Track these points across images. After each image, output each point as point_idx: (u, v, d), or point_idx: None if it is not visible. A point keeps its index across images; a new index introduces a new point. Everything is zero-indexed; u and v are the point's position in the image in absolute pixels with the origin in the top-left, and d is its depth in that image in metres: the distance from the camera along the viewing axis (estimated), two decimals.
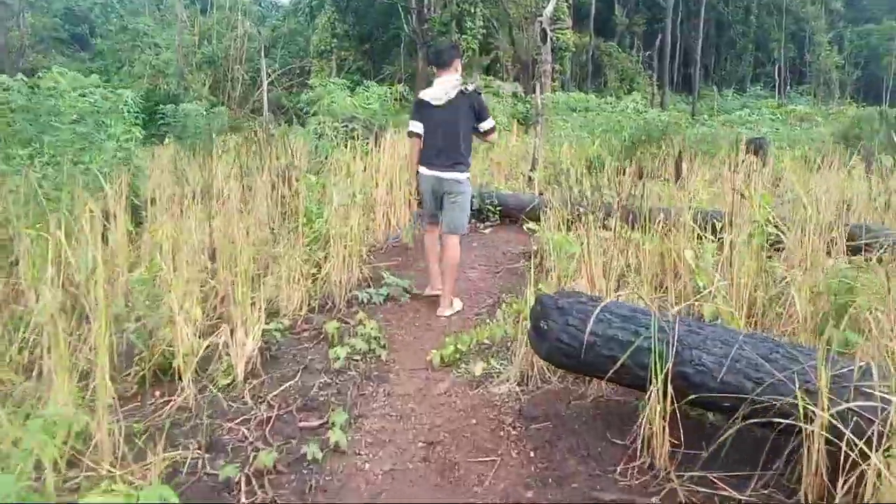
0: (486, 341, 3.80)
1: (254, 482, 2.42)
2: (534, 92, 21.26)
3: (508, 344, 3.74)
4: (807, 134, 14.11)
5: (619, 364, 2.51)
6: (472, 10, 30.08)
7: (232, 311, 3.53)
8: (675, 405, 2.43)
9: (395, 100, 16.91)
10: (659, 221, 4.86)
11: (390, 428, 2.92)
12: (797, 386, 2.18)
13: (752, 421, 2.26)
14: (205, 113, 20.37)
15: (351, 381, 3.38)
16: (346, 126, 7.01)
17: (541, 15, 10.81)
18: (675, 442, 2.45)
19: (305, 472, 2.53)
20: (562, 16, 31.39)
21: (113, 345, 2.95)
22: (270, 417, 2.95)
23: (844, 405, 2.10)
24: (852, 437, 2.02)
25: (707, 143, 15.17)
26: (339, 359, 3.53)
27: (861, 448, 2.00)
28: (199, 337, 3.40)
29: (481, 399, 3.17)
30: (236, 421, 2.91)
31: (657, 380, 2.41)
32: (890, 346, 2.64)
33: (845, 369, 2.19)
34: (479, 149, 9.95)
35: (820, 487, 2.18)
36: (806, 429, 2.14)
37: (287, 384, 3.32)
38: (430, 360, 3.63)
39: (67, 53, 34.83)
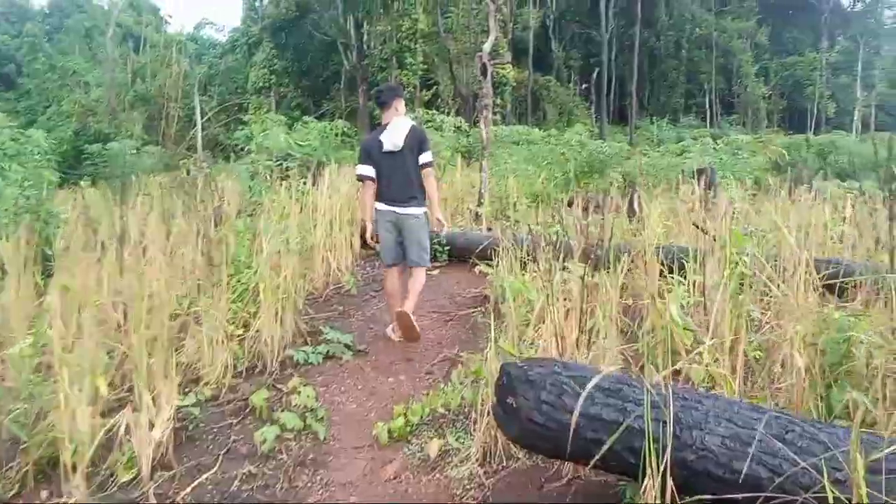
0: (441, 410, 3.31)
1: None
2: (475, 125, 21.19)
3: (467, 410, 3.27)
4: (745, 163, 14.27)
5: (605, 448, 2.07)
6: (413, 47, 30.07)
7: (139, 385, 2.96)
8: (675, 499, 1.99)
9: (336, 135, 16.48)
10: (623, 262, 4.52)
11: None
12: (825, 476, 1.78)
13: None
14: (134, 152, 19.50)
15: (281, 468, 2.84)
16: (281, 164, 6.50)
17: (481, 50, 10.60)
18: None
19: None
20: (501, 51, 31.69)
21: None
22: None
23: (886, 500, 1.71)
24: None
25: (651, 175, 15.21)
26: (266, 441, 2.98)
27: None
28: (103, 416, 2.83)
29: (437, 486, 2.68)
30: None
31: (652, 469, 1.98)
32: None
33: (883, 452, 1.80)
34: None
35: None
36: None
37: (204, 476, 2.76)
38: (376, 436, 3.12)
39: None
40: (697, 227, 5.86)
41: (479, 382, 3.16)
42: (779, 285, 3.53)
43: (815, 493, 1.80)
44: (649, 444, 1.99)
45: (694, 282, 4.01)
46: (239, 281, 4.35)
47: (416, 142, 4.49)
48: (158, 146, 28.13)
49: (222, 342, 3.81)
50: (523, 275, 4.83)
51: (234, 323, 4.11)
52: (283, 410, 3.36)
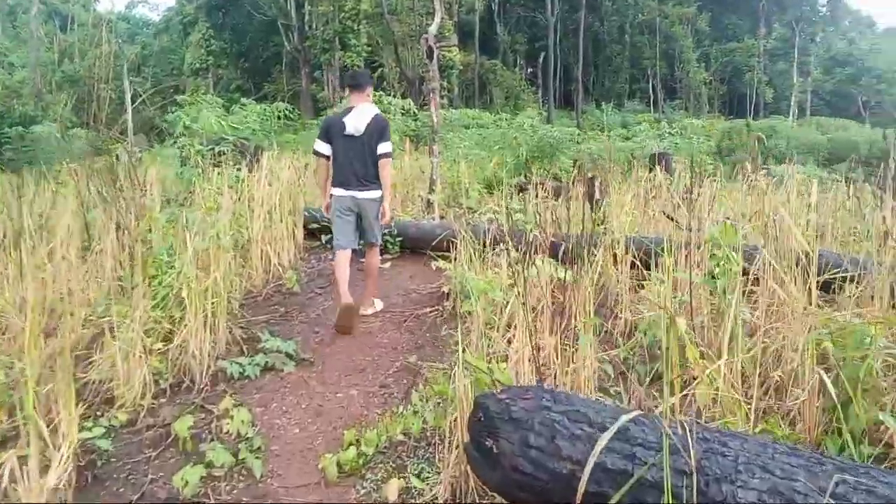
0: (401, 436, 2.84)
1: None
2: (422, 108, 20.63)
3: (429, 435, 2.82)
4: (698, 147, 14.19)
5: None
6: (356, 28, 29.23)
7: (29, 415, 2.41)
8: None
9: (277, 118, 15.69)
10: (597, 257, 4.15)
11: None
12: None
13: None
14: (58, 136, 18.27)
15: None
16: (212, 149, 5.88)
17: (426, 32, 10.08)
18: None
19: None
20: (447, 34, 31.12)
21: None
22: None
23: None
24: None
25: (603, 159, 15.00)
26: (189, 484, 2.46)
27: None
28: None
29: None
30: None
31: None
32: None
33: None
34: None
35: None
36: None
37: None
38: (323, 470, 2.63)
39: None
40: (670, 217, 5.55)
41: (444, 402, 2.71)
42: (772, 284, 3.19)
43: None
44: (668, 501, 1.58)
45: (674, 279, 3.65)
46: (161, 283, 3.78)
47: (378, 130, 4.51)
48: (87, 129, 26.62)
49: (140, 356, 3.26)
50: (484, 270, 4.41)
51: (154, 333, 3.55)
52: (211, 440, 2.85)
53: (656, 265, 4.37)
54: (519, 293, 3.26)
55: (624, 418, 1.75)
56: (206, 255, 3.95)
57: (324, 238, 6.69)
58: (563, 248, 4.31)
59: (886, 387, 2.40)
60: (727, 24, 49.76)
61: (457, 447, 2.32)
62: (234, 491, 2.53)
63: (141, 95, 29.82)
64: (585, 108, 39.32)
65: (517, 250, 4.54)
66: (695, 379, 2.35)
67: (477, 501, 2.32)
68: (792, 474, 1.60)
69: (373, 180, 4.55)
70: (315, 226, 6.73)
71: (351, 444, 2.74)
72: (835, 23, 52.71)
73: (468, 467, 2.31)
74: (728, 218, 4.90)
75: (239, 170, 5.97)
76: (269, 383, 3.52)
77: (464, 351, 2.66)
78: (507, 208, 6.94)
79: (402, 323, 4.47)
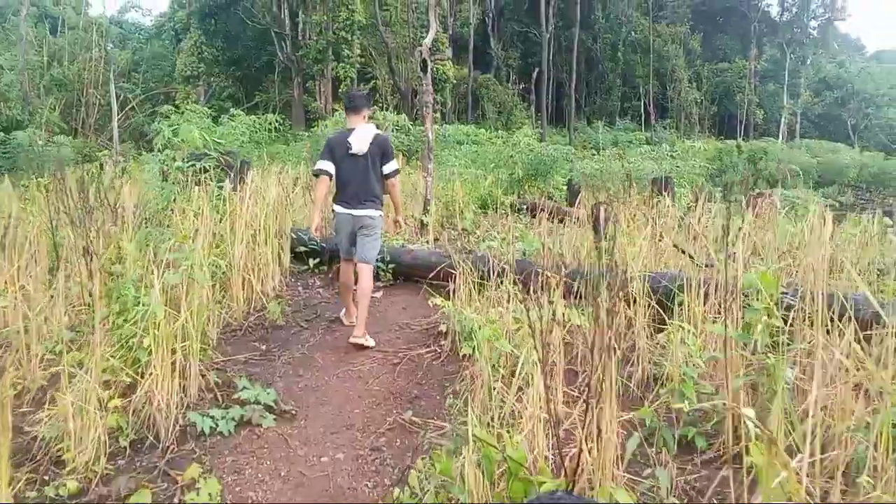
0: None
1: None
2: (415, 121, 20.28)
3: None
4: (701, 169, 13.90)
5: None
6: (350, 39, 28.91)
7: None
8: None
9: (268, 130, 15.30)
10: (612, 294, 3.77)
11: None
12: None
13: None
14: (41, 143, 17.77)
15: None
16: (193, 165, 5.46)
17: (420, 45, 9.76)
18: None
19: None
20: (441, 47, 30.91)
21: None
22: None
23: None
24: None
25: (598, 180, 14.70)
26: None
27: None
28: None
29: None
30: None
31: None
32: None
33: None
34: None
35: None
36: None
37: None
38: None
39: None
40: (684, 252, 5.18)
41: (448, 484, 2.30)
42: (819, 337, 2.81)
43: None
44: None
45: (702, 331, 3.26)
46: (125, 321, 3.35)
47: (380, 149, 4.63)
48: (75, 136, 26.12)
49: (95, 411, 2.83)
50: (486, 308, 4.01)
51: (113, 384, 3.12)
52: None
53: (676, 306, 4.00)
54: (532, 346, 2.87)
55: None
56: (181, 289, 3.54)
57: (311, 262, 6.28)
58: (575, 284, 3.94)
59: None
60: (718, 44, 49.96)
61: None
62: None
63: (131, 102, 29.36)
64: (577, 126, 39.21)
65: (524, 287, 4.16)
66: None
67: None
68: None
69: (372, 199, 4.62)
70: (303, 249, 6.32)
71: None
72: (825, 46, 53.04)
73: None
74: (751, 254, 4.54)
75: (221, 188, 5.55)
76: (244, 442, 3.09)
77: (468, 409, 2.27)
78: (509, 235, 6.58)
79: (396, 365, 4.04)
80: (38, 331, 3.63)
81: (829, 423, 2.47)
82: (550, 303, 3.38)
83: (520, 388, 2.85)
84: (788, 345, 3.12)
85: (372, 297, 5.66)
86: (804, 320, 3.15)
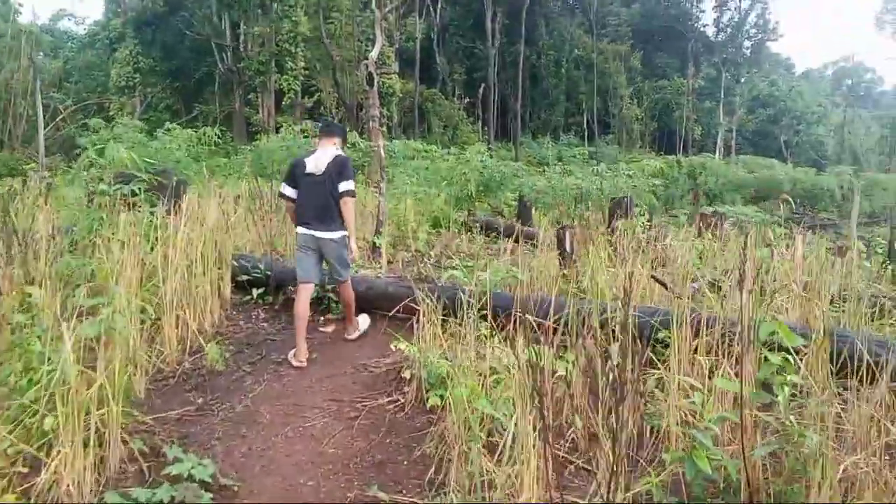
0: None
1: None
2: (361, 135, 19.74)
3: None
4: (655, 188, 13.85)
5: None
6: (293, 51, 28.22)
7: None
8: None
9: (207, 144, 14.58)
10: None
11: None
12: None
13: None
14: None
15: None
16: (120, 188, 4.87)
17: (366, 58, 9.37)
18: None
19: None
20: (387, 61, 30.51)
21: None
22: None
23: None
24: None
25: (549, 196, 14.52)
26: None
27: None
28: None
29: None
30: None
31: None
32: None
33: None
34: None
35: None
36: None
37: None
38: None
39: None
40: (662, 283, 4.88)
41: None
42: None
43: None
44: None
45: (705, 383, 2.90)
46: (31, 382, 2.79)
47: (337, 169, 4.58)
48: (1, 148, 24.65)
49: None
50: (455, 351, 3.59)
51: (13, 460, 2.56)
52: None
53: (661, 346, 3.66)
54: (521, 406, 2.46)
55: None
56: (100, 341, 2.99)
57: (255, 292, 5.72)
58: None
59: None
60: (658, 62, 51.10)
61: None
62: None
63: (62, 112, 27.88)
64: (522, 140, 39.33)
65: (499, 326, 3.76)
66: None
67: None
68: None
69: (334, 219, 4.59)
70: (245, 277, 5.77)
71: None
72: (757, 65, 54.90)
73: None
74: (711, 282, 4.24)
75: (153, 213, 4.97)
76: None
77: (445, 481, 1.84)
78: (471, 262, 6.18)
79: (354, 420, 3.55)
80: None
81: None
82: (534, 351, 2.98)
83: (506, 456, 2.43)
84: (794, 396, 2.80)
85: (322, 331, 5.20)
86: (815, 365, 2.84)
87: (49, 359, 2.79)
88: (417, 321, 4.07)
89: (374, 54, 9.36)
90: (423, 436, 3.27)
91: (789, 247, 6.21)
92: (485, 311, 3.98)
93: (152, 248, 4.71)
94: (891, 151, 49.19)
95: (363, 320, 5.13)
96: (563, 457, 2.99)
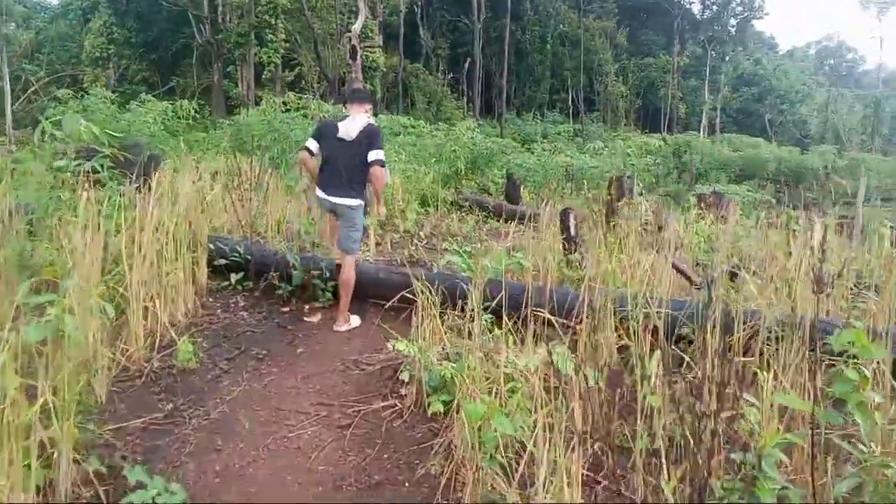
0: None
1: None
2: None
3: None
4: (654, 166, 13.46)
5: None
6: (273, 23, 27.33)
7: None
8: None
9: (184, 118, 13.91)
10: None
11: None
12: None
13: None
14: None
15: None
16: (80, 164, 4.36)
17: (349, 31, 8.85)
18: None
19: None
20: (370, 34, 29.70)
21: None
22: None
23: None
24: None
25: (539, 175, 14.11)
26: None
27: None
28: None
29: None
30: None
31: None
32: None
33: None
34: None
35: None
36: None
37: None
38: None
39: None
40: (683, 273, 4.48)
41: None
42: None
43: None
44: None
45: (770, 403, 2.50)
46: None
47: (367, 137, 4.56)
48: None
49: None
50: (453, 350, 3.19)
51: None
52: None
53: (685, 343, 3.28)
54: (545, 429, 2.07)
55: None
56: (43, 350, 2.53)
57: (234, 277, 5.26)
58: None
59: None
60: (644, 39, 50.55)
61: None
62: None
63: (34, 84, 26.84)
64: (507, 117, 38.76)
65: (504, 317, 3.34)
66: None
67: None
68: None
69: (353, 187, 4.59)
70: (223, 262, 5.29)
71: None
72: (742, 43, 54.56)
73: None
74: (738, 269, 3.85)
75: (120, 192, 4.47)
76: None
77: None
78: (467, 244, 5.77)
79: (346, 429, 3.13)
80: None
81: None
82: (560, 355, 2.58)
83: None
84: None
85: (308, 320, 4.77)
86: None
87: None
88: (414, 313, 3.66)
89: (357, 27, 8.87)
90: (426, 450, 2.87)
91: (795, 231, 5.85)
92: (490, 304, 3.57)
93: (118, 231, 4.22)
94: (873, 131, 49.30)
95: (355, 320, 4.74)
96: (587, 475, 2.60)
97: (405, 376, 3.34)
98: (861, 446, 2.04)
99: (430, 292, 3.76)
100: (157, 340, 3.94)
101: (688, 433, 1.97)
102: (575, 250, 5.31)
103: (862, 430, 2.00)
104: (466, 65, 37.97)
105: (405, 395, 3.33)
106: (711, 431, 1.95)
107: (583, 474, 2.51)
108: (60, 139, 5.45)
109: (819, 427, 2.18)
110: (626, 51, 49.74)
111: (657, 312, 3.27)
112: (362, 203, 4.68)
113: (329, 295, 5.01)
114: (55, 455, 2.42)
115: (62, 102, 11.38)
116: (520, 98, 45.62)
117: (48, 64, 32.88)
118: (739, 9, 51.84)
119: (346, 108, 4.92)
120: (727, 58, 52.63)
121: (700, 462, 1.96)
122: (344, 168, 4.55)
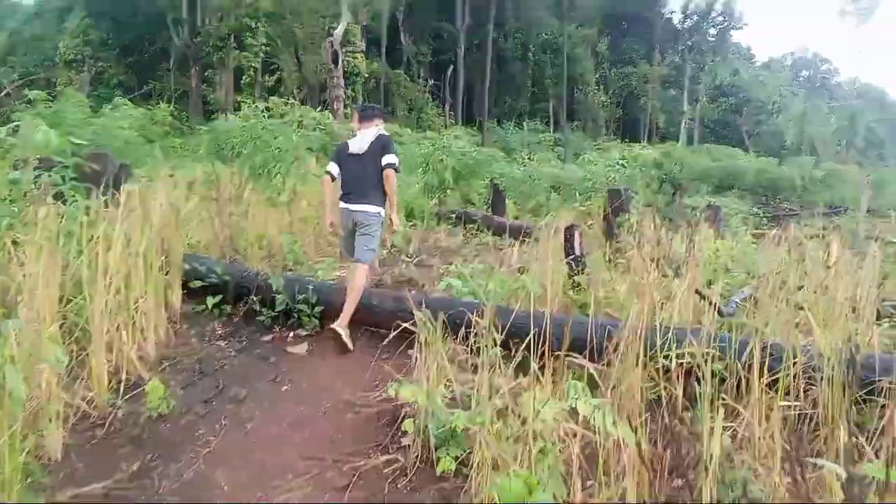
0: None
1: None
2: (334, 116, 18.63)
3: None
4: (652, 178, 13.19)
5: None
6: (254, 26, 26.83)
7: None
8: None
9: (160, 123, 13.37)
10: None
11: None
12: None
13: None
14: None
15: None
16: (39, 175, 3.89)
17: (331, 36, 8.45)
18: None
19: None
20: (352, 39, 29.27)
21: None
22: None
23: None
24: None
25: (526, 185, 13.78)
26: None
27: None
28: None
29: None
30: None
31: None
32: None
33: None
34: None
35: None
36: None
37: None
38: None
39: None
40: (704, 297, 4.10)
41: None
42: None
43: None
44: None
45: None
46: None
47: (380, 146, 4.73)
48: None
49: None
50: (460, 391, 2.78)
51: None
52: None
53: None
54: None
55: None
56: None
57: (210, 301, 4.80)
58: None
59: None
60: (625, 48, 50.69)
61: None
62: None
63: (6, 87, 26.04)
64: (488, 126, 38.49)
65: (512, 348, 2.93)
66: None
67: None
68: None
69: (369, 196, 4.70)
70: (199, 283, 4.84)
71: None
72: (721, 53, 54.95)
73: None
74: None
75: (82, 208, 4.00)
76: None
77: None
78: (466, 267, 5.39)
79: (342, 492, 2.69)
80: None
81: None
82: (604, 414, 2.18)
83: None
84: None
85: (292, 352, 4.34)
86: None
87: None
88: (416, 349, 3.25)
89: (339, 31, 8.45)
90: None
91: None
92: (503, 337, 3.17)
93: (80, 252, 3.76)
94: (847, 144, 49.81)
95: (348, 341, 4.38)
96: None
97: (408, 426, 2.92)
98: None
99: (432, 323, 3.34)
100: (123, 379, 3.47)
101: None
102: (581, 271, 4.93)
103: None
104: (449, 72, 37.63)
105: (408, 447, 2.91)
106: None
107: None
108: (19, 148, 4.96)
109: None
110: (608, 59, 49.83)
111: (700, 351, 2.89)
112: (381, 213, 4.74)
113: (316, 322, 4.58)
114: None
115: (34, 105, 10.79)
116: (500, 107, 45.38)
117: (22, 65, 32.04)
118: (720, 18, 52.22)
119: (356, 124, 4.96)
120: (706, 67, 52.97)
121: None
122: (361, 178, 4.71)
